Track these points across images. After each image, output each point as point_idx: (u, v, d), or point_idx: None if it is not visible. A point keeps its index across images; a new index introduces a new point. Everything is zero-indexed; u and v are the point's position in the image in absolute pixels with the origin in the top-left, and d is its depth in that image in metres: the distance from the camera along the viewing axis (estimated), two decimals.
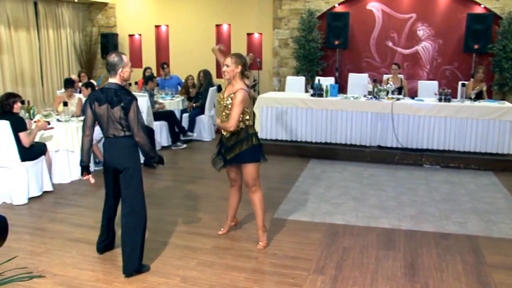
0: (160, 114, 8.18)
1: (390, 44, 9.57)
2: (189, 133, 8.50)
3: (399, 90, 8.12)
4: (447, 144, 7.14)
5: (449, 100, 7.23)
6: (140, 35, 11.31)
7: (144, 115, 7.19)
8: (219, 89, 9.72)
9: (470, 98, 7.33)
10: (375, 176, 6.55)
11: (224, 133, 4.11)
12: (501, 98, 8.59)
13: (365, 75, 8.91)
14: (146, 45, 11.26)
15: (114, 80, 3.61)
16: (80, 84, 8.40)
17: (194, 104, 8.95)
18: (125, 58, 3.63)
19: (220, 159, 4.17)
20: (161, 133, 8.18)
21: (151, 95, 8.18)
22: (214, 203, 5.37)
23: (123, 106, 3.51)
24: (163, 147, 8.12)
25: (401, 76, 8.67)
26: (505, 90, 8.86)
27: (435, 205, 5.37)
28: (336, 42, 9.29)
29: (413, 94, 8.59)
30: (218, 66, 10.72)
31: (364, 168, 6.91)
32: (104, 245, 4.09)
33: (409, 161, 7.15)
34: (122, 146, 3.61)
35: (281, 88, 9.17)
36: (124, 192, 3.67)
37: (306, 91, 8.57)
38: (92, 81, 8.23)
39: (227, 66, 3.98)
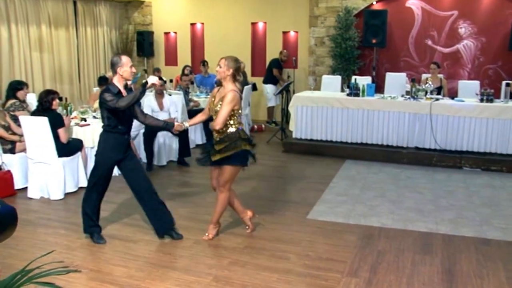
0: (195, 112, 8.21)
1: (429, 42, 9.35)
2: None
3: (438, 90, 7.93)
4: (489, 146, 6.92)
5: (491, 101, 7.00)
6: (175, 33, 11.46)
7: (179, 113, 7.30)
8: (254, 87, 9.76)
9: None
10: (412, 178, 6.42)
11: (215, 135, 4.19)
12: None
13: (403, 74, 8.74)
14: (181, 43, 11.40)
15: (114, 79, 4.02)
16: None
17: None
18: (124, 58, 3.99)
19: (205, 160, 4.27)
20: (195, 131, 8.26)
21: (186, 93, 8.27)
22: (249, 203, 5.35)
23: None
24: (197, 145, 8.20)
25: (440, 75, 8.45)
26: None
27: (475, 210, 5.21)
28: (374, 41, 9.15)
29: (453, 94, 8.36)
30: (254, 65, 10.79)
31: (400, 170, 6.78)
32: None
33: (448, 163, 6.97)
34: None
35: (317, 87, 9.11)
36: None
37: (342, 90, 8.47)
38: (106, 75, 8.37)
39: (220, 67, 4.10)
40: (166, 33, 11.58)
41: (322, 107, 7.64)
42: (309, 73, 10.14)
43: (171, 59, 11.60)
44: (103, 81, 7.39)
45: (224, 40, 10.80)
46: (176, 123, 4.42)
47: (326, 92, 8.51)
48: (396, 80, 8.49)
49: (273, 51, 10.43)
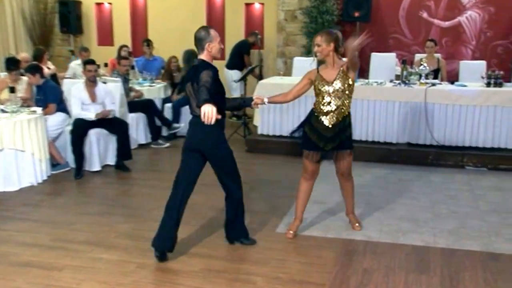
0: (137, 104, 8.17)
1: (424, 15, 9.52)
2: (175, 125, 8.51)
3: (435, 73, 8.07)
4: (497, 140, 7.10)
5: (500, 85, 7.17)
6: (110, 4, 11.28)
7: (116, 105, 7.19)
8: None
9: None
10: (404, 180, 6.50)
11: (326, 123, 4.55)
12: None
13: (392, 54, 8.86)
14: (118, 17, 11.25)
15: (201, 56, 4.21)
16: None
17: (178, 95, 8.93)
18: (213, 32, 4.23)
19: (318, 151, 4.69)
20: (138, 128, 8.18)
21: (125, 80, 8.16)
22: (204, 215, 5.34)
23: (197, 82, 4.02)
24: (141, 146, 8.09)
25: (438, 55, 8.62)
26: None
27: (482, 218, 5.31)
28: (356, 14, 9.27)
29: (453, 78, 8.52)
30: None
31: (390, 171, 6.87)
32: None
33: (447, 162, 7.10)
34: (203, 125, 3.91)
35: (287, 72, 9.14)
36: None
37: None
38: (17, 56, 8.15)
39: (318, 45, 4.47)
40: (98, 4, 11.40)
41: None
42: (278, 55, 10.17)
43: (105, 37, 11.41)
44: (11, 64, 7.16)
45: (172, 14, 10.72)
46: (255, 97, 4.65)
47: (298, 78, 8.47)
48: (383, 62, 8.60)
49: (233, 27, 10.41)
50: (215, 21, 10.72)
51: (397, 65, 8.39)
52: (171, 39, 10.47)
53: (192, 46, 9.16)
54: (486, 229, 5.01)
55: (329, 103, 4.50)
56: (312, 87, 4.63)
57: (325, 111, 4.53)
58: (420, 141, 7.30)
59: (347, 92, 4.51)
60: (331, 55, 4.49)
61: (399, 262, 4.32)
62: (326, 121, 4.55)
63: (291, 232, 4.79)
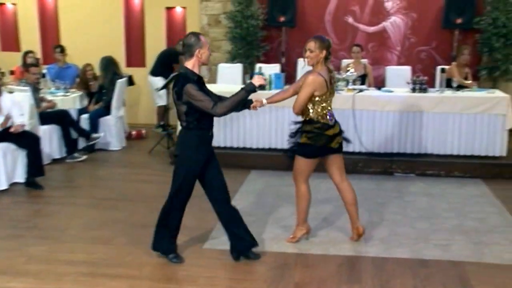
0: (49, 115, 7.93)
1: (350, 20, 9.79)
2: (95, 135, 8.32)
3: (362, 79, 8.31)
4: (424, 146, 7.40)
5: (425, 90, 7.48)
6: (14, 4, 10.88)
7: (26, 117, 6.97)
8: (130, 81, 9.57)
9: (452, 87, 7.63)
10: (334, 189, 6.56)
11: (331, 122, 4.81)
12: (490, 86, 8.98)
13: None
14: (24, 19, 10.85)
15: (189, 63, 4.30)
16: None
17: (95, 105, 8.77)
18: (203, 38, 4.33)
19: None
20: (52, 141, 7.93)
21: (35, 90, 7.92)
22: (127, 232, 5.27)
23: (176, 90, 4.24)
24: (55, 160, 7.85)
25: (364, 61, 8.89)
26: (496, 75, 9.26)
27: (411, 224, 5.51)
28: (282, 19, 9.39)
29: (379, 84, 8.83)
30: (129, 51, 10.60)
31: (320, 180, 6.88)
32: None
33: (376, 169, 7.33)
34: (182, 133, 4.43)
35: (212, 79, 9.15)
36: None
37: (244, 82, 8.57)
38: None
39: (311, 51, 4.67)
40: (1, 4, 10.95)
41: None
42: None
43: (10, 42, 10.98)
44: None
45: (86, 18, 10.47)
46: (254, 99, 4.67)
47: (223, 85, 8.55)
48: (309, 68, 8.73)
49: (154, 32, 10.33)
50: (134, 25, 10.60)
51: None
52: (86, 45, 10.25)
53: (110, 52, 9.14)
54: (415, 236, 5.21)
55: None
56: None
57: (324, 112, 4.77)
58: (349, 149, 7.38)
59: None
60: (321, 62, 4.67)
61: (331, 274, 4.41)
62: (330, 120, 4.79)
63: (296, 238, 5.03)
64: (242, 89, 4.35)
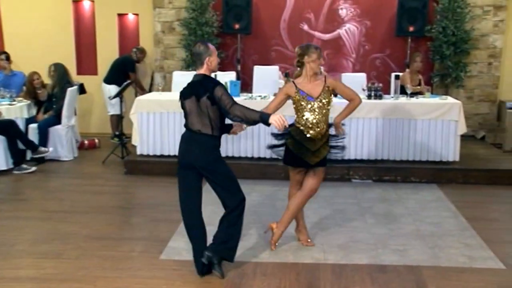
0: None
1: (305, 27, 9.92)
2: (42, 149, 8.15)
3: None
4: (380, 152, 7.55)
5: (380, 97, 7.63)
6: None
7: None
8: (82, 90, 9.44)
9: (406, 94, 7.80)
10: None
11: (314, 134, 4.82)
12: (443, 93, 9.24)
13: (275, 67, 9.06)
14: None
15: (201, 71, 4.43)
16: None
17: (44, 115, 8.61)
18: (211, 46, 4.45)
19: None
20: None
21: None
22: (80, 245, 5.17)
23: (208, 96, 4.29)
24: (1, 172, 7.66)
25: (320, 68, 8.96)
26: (447, 82, 9.56)
27: (369, 230, 5.60)
28: (237, 26, 9.44)
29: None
30: (80, 59, 10.48)
31: (278, 188, 7.02)
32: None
33: (334, 175, 7.42)
34: (198, 142, 4.43)
35: (167, 87, 9.10)
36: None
37: None
38: None
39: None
40: None
41: (175, 113, 7.63)
42: (156, 69, 10.12)
43: None
44: None
45: (33, 23, 10.28)
46: (273, 115, 4.35)
47: (178, 93, 8.51)
48: (266, 75, 8.76)
49: (106, 39, 10.24)
50: (84, 32, 10.47)
51: (280, 78, 8.63)
52: (33, 53, 10.08)
53: (60, 60, 8.98)
54: (374, 242, 5.29)
55: (313, 117, 4.79)
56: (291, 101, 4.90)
57: (309, 125, 4.80)
58: None
59: (328, 107, 4.88)
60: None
61: (290, 283, 4.42)
62: (311, 134, 4.82)
63: (309, 240, 5.20)
64: (259, 112, 4.31)
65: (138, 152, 7.87)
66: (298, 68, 4.93)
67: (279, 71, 9.00)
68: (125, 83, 8.77)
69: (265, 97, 7.77)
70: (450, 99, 7.83)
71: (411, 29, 9.33)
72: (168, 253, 4.98)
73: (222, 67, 9.57)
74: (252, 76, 9.02)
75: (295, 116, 4.91)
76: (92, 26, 10.37)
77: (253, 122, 4.34)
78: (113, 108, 9.55)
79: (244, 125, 4.73)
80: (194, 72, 9.08)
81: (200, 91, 4.34)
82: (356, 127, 7.44)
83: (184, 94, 4.49)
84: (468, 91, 9.80)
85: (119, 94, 8.62)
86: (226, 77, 8.32)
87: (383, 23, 9.78)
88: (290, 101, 4.93)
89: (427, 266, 4.76)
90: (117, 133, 9.58)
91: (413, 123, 7.43)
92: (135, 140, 7.88)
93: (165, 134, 7.74)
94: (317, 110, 4.80)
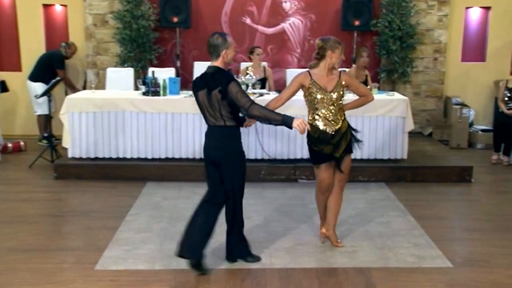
0: None
1: (248, 21, 9.92)
2: None
3: (262, 83, 8.41)
4: None
5: None
6: None
7: None
8: (4, 87, 9.18)
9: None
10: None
11: (329, 130, 4.99)
12: (390, 88, 9.42)
13: None
14: None
15: (215, 63, 4.58)
16: None
17: None
18: (229, 38, 4.60)
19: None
20: None
21: None
22: (3, 259, 5.01)
23: (220, 89, 4.43)
24: None
25: (264, 63, 9.02)
26: (394, 77, 9.76)
27: (316, 232, 5.60)
28: (175, 20, 9.36)
29: (280, 87, 8.94)
30: (0, 54, 10.14)
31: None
32: None
33: (280, 176, 7.47)
34: (218, 136, 4.63)
35: (100, 85, 8.94)
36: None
37: (136, 88, 8.47)
38: None
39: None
40: None
41: (109, 112, 7.53)
42: (88, 66, 9.92)
43: None
44: None
45: None
46: (297, 118, 4.51)
47: (113, 91, 8.41)
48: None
49: (30, 32, 9.96)
50: (4, 24, 10.10)
51: None
52: None
53: None
54: (322, 244, 5.34)
55: (326, 111, 4.97)
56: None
57: (326, 118, 4.99)
58: (251, 156, 7.53)
59: (340, 101, 5.03)
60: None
61: None
62: (329, 128, 5.00)
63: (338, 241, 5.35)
64: (282, 115, 4.47)
65: (70, 155, 7.69)
66: (316, 60, 5.03)
67: None
68: (54, 81, 8.54)
69: None
70: (397, 95, 7.98)
71: (356, 23, 9.47)
72: (104, 263, 4.89)
73: (161, 64, 9.53)
74: (193, 72, 9.00)
75: (307, 113, 5.13)
76: (13, 17, 10.01)
77: (273, 123, 4.56)
78: (40, 108, 9.29)
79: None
80: (130, 69, 9.08)
81: (212, 84, 4.49)
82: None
83: (197, 85, 4.65)
84: (414, 86, 10.05)
85: (46, 93, 8.39)
86: (165, 74, 8.25)
87: (328, 17, 9.89)
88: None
89: (376, 267, 4.85)
90: (45, 134, 9.29)
91: (360, 120, 7.52)
92: (66, 142, 7.70)
93: (99, 135, 7.59)
94: (329, 103, 4.96)
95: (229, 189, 4.65)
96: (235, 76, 4.82)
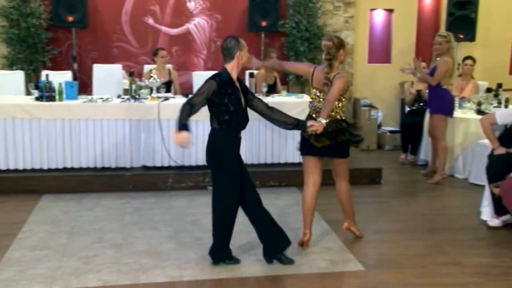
0: None
1: (150, 21, 9.85)
2: None
3: (168, 86, 8.36)
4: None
5: None
6: None
7: None
8: None
9: (261, 92, 7.98)
10: (142, 210, 6.60)
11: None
12: (299, 91, 9.58)
13: (118, 66, 8.97)
14: None
15: (228, 65, 4.84)
16: None
17: None
18: (242, 41, 4.86)
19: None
20: None
21: None
22: None
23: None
24: None
25: (169, 66, 8.96)
26: (303, 79, 9.93)
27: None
28: (70, 19, 9.18)
29: (186, 91, 8.94)
30: None
31: (125, 201, 6.90)
32: None
33: (188, 183, 7.44)
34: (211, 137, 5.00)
35: None
36: None
37: (28, 93, 8.19)
38: None
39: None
40: None
41: None
42: None
43: None
44: None
45: None
46: (310, 122, 5.17)
47: (1, 96, 8.07)
48: (108, 75, 8.65)
49: None
50: None
51: (124, 78, 8.49)
52: None
53: None
54: (235, 253, 5.27)
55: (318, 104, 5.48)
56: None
57: (317, 109, 5.47)
58: (157, 163, 7.48)
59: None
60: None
61: None
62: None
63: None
64: (298, 120, 5.24)
65: None
66: (326, 62, 5.35)
67: (122, 70, 8.89)
68: None
69: (107, 99, 7.56)
70: (306, 98, 8.10)
71: (263, 24, 9.60)
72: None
73: (56, 66, 9.28)
74: (92, 76, 8.82)
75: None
76: None
77: (283, 126, 5.31)
78: None
79: (323, 121, 5.19)
80: (20, 72, 8.77)
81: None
82: (203, 130, 7.34)
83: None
84: None
85: None
86: (61, 77, 8.03)
87: (234, 17, 9.97)
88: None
89: (289, 274, 4.92)
90: None
91: (269, 123, 7.56)
92: None
93: (10, 145, 7.30)
94: (319, 98, 5.47)
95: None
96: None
